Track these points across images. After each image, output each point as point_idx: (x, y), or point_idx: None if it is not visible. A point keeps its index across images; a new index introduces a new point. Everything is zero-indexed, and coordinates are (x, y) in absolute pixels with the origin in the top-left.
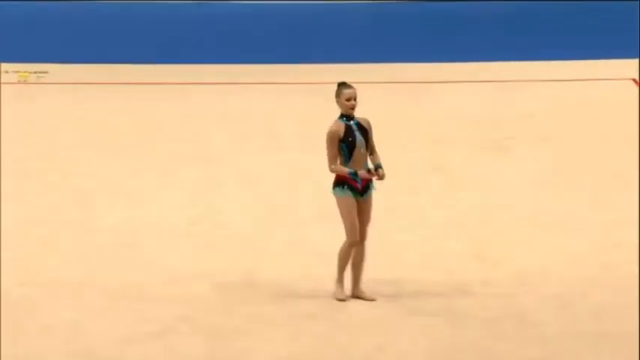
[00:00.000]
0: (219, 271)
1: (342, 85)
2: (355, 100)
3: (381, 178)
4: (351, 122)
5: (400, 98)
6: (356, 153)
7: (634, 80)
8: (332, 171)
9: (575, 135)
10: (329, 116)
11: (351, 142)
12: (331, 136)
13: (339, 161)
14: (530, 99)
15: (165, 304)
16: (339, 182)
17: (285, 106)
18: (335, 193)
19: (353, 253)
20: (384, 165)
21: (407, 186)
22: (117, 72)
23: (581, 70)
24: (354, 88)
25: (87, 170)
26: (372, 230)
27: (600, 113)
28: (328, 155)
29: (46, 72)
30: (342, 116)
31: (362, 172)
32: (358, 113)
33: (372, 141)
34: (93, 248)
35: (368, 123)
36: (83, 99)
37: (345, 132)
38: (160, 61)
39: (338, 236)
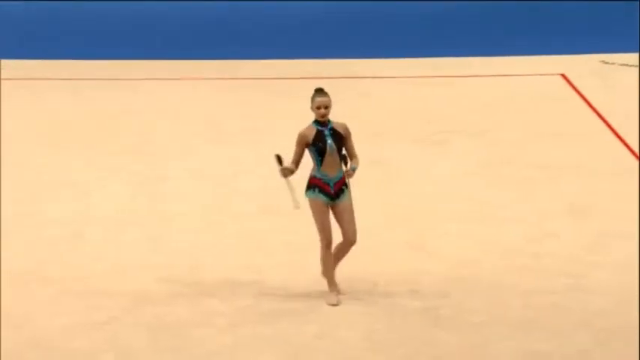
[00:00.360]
0: (163, 262)
1: (316, 92)
2: (327, 108)
3: (349, 176)
4: (324, 128)
5: (339, 93)
6: (327, 158)
7: (562, 75)
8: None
9: (508, 128)
10: (271, 110)
11: (320, 147)
12: (298, 139)
13: (313, 166)
14: (465, 93)
15: (111, 295)
16: (311, 185)
17: (229, 101)
18: (307, 196)
19: (337, 250)
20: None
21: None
22: (63, 68)
23: (514, 66)
24: (327, 97)
25: (32, 163)
26: (312, 222)
27: (531, 107)
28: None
29: None
30: (315, 121)
31: (284, 169)
32: (339, 114)
33: (351, 146)
34: (39, 240)
35: (345, 129)
36: (30, 94)
37: (315, 137)
38: (107, 56)
39: (280, 229)
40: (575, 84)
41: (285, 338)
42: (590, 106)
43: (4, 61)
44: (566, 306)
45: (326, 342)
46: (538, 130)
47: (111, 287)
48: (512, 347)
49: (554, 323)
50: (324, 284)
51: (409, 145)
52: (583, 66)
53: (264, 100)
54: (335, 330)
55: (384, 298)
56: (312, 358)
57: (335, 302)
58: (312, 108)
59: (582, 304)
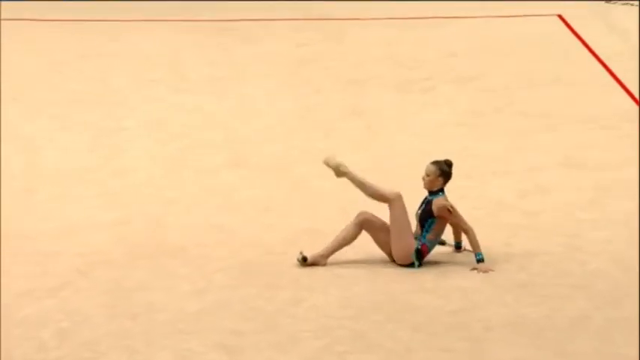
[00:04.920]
0: (121, 221)
1: None
2: (427, 176)
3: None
4: (427, 197)
5: (315, 36)
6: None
7: (559, 16)
8: None
9: (500, 74)
10: (236, 55)
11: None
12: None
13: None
14: (453, 36)
15: (63, 257)
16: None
17: (192, 45)
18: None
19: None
20: (305, 107)
21: (325, 130)
22: (8, 8)
23: (506, 7)
24: (431, 166)
25: None
26: (288, 177)
27: (525, 51)
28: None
29: None
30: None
31: None
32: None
33: (455, 224)
34: None
35: (438, 208)
36: None
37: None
38: None
39: (248, 184)
40: (573, 25)
41: (256, 305)
42: (589, 49)
43: None
44: (561, 268)
45: (300, 309)
46: (532, 75)
47: (63, 249)
48: (504, 314)
49: (549, 287)
50: (296, 244)
51: (391, 94)
52: (581, 5)
53: (229, 44)
54: (309, 295)
55: (363, 259)
56: (286, 327)
57: (300, 258)
58: None
59: (579, 266)
